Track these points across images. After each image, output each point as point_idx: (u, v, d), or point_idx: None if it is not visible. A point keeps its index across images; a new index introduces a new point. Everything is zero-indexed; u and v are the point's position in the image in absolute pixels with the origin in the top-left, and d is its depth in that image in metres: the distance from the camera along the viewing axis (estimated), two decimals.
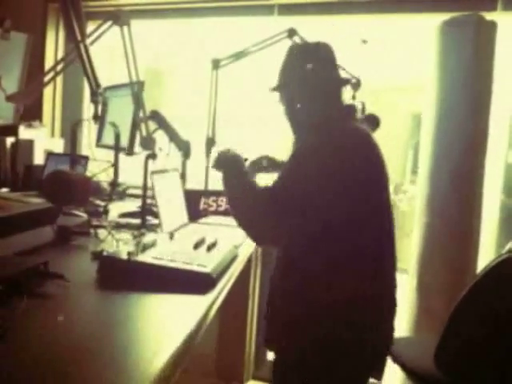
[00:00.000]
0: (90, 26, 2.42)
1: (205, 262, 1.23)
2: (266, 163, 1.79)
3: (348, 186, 1.34)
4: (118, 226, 1.75)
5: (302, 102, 1.52)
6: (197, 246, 1.39)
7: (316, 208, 1.32)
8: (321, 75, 1.50)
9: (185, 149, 2.31)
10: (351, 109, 1.57)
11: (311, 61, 1.49)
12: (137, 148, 1.98)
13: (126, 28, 1.88)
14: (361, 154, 1.41)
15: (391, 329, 1.46)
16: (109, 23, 1.90)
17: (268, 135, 3.97)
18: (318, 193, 1.32)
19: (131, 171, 2.30)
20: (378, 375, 1.44)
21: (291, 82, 1.52)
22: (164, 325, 0.96)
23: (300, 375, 1.37)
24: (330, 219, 1.33)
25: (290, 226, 1.36)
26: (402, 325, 2.72)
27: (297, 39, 2.45)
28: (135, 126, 1.98)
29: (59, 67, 2.10)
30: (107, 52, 3.54)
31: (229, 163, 1.46)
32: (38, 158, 2.77)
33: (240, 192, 1.42)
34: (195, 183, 2.45)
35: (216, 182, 2.55)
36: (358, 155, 1.39)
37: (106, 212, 1.94)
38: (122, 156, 2.22)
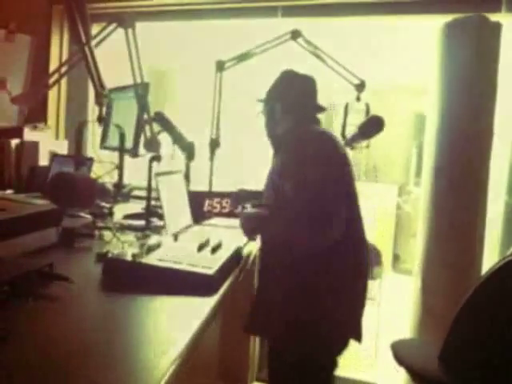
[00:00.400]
0: (95, 28, 2.42)
1: (209, 264, 1.23)
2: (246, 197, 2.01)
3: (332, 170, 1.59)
4: (123, 228, 1.75)
5: (280, 116, 1.79)
6: (201, 247, 1.40)
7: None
8: (300, 100, 1.80)
9: (189, 150, 2.32)
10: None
11: (296, 86, 1.81)
12: (141, 150, 1.99)
13: (130, 30, 1.88)
14: (332, 144, 1.68)
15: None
16: (113, 25, 1.91)
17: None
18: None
19: (136, 173, 2.31)
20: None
21: (276, 99, 1.81)
22: (168, 327, 0.96)
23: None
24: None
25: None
26: (407, 326, 2.71)
27: (301, 41, 2.45)
28: (140, 128, 1.99)
29: (64, 69, 2.10)
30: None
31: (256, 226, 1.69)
32: (43, 160, 2.78)
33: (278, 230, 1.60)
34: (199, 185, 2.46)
35: (220, 183, 2.57)
36: (331, 144, 1.67)
37: (110, 214, 1.95)
38: (126, 158, 2.22)
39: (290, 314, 1.59)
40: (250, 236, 1.75)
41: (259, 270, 1.76)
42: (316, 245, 1.54)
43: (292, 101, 1.79)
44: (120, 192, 2.27)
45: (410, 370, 1.78)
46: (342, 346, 1.68)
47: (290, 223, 1.51)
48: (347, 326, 1.68)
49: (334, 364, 1.73)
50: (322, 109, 1.83)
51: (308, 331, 1.57)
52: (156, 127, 2.11)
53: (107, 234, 1.63)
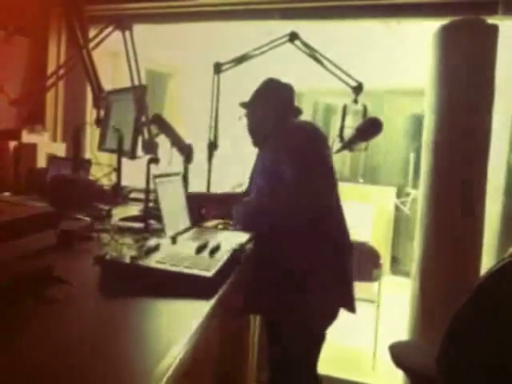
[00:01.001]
0: (93, 31, 2.42)
1: (208, 266, 1.23)
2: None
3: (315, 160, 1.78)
4: (121, 230, 1.75)
5: (262, 117, 2.02)
6: (199, 250, 1.40)
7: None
8: (280, 102, 2.02)
9: (187, 152, 2.32)
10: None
11: (277, 91, 2.03)
12: (139, 152, 1.99)
13: (128, 32, 1.88)
14: (318, 131, 1.90)
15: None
16: (111, 28, 1.91)
17: None
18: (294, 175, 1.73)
19: (134, 175, 2.31)
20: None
21: (259, 101, 2.03)
22: (167, 329, 0.96)
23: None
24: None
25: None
26: (405, 328, 2.71)
27: (298, 43, 2.46)
28: (137, 130, 1.99)
29: (62, 71, 2.10)
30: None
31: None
32: (41, 162, 2.78)
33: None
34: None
35: (218, 186, 2.57)
36: (317, 131, 1.89)
37: (109, 216, 1.94)
38: (124, 160, 2.22)
39: (283, 293, 1.79)
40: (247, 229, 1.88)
41: (253, 258, 1.84)
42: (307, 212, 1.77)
43: (274, 102, 2.00)
44: (118, 194, 2.27)
45: (408, 371, 1.79)
46: (330, 316, 1.87)
47: (290, 197, 1.74)
48: (334, 298, 1.87)
49: (323, 336, 1.92)
50: (299, 111, 2.06)
51: (299, 305, 1.78)
52: (154, 129, 2.12)
53: (105, 237, 1.63)
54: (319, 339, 1.93)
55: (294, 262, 1.80)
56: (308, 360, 1.93)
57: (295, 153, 1.77)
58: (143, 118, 1.88)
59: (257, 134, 2.05)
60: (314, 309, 1.82)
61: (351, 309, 1.90)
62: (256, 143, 2.06)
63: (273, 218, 1.81)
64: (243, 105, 2.07)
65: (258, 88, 2.06)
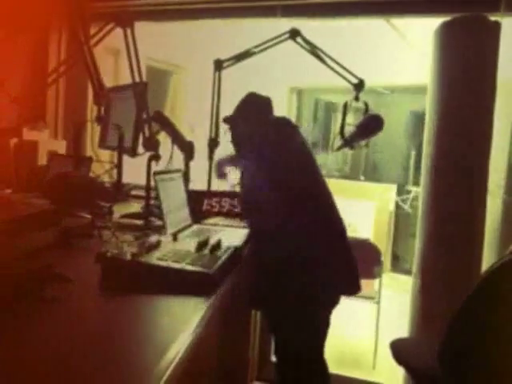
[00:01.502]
0: (93, 28, 2.41)
1: (208, 263, 1.23)
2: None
3: (289, 160, 1.85)
4: (122, 227, 1.75)
5: (243, 127, 2.09)
6: (200, 247, 1.40)
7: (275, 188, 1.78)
8: (257, 111, 2.10)
9: (188, 150, 2.32)
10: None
11: (254, 102, 2.13)
12: (140, 149, 1.98)
13: (129, 30, 1.88)
14: (285, 131, 1.94)
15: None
16: (112, 25, 1.91)
17: None
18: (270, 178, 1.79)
19: (135, 172, 2.31)
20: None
21: (239, 113, 2.13)
22: (168, 326, 0.96)
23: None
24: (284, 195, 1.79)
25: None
26: (406, 325, 2.72)
27: (299, 40, 2.45)
28: (138, 127, 1.99)
29: (62, 69, 2.10)
30: None
31: None
32: (42, 160, 2.77)
33: None
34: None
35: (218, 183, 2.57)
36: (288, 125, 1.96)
37: (109, 213, 1.94)
38: (125, 157, 2.22)
39: (285, 284, 1.82)
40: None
41: (251, 254, 1.85)
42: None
43: (251, 111, 2.10)
44: (119, 191, 2.27)
45: (409, 368, 1.79)
46: (332, 299, 1.91)
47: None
48: (334, 283, 1.88)
49: (326, 322, 1.94)
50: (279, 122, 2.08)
51: (298, 291, 1.80)
52: (155, 126, 2.11)
53: (106, 234, 1.63)
54: (322, 324, 1.93)
55: (294, 249, 1.80)
56: (312, 345, 1.94)
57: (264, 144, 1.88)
58: (144, 115, 1.88)
59: (239, 145, 2.15)
60: (314, 295, 1.83)
61: (354, 290, 1.92)
62: (239, 154, 2.15)
63: (260, 198, 1.83)
64: (225, 120, 2.19)
65: (239, 103, 2.18)
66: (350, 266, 1.91)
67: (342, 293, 1.95)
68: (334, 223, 1.92)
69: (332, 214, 1.92)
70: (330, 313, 1.94)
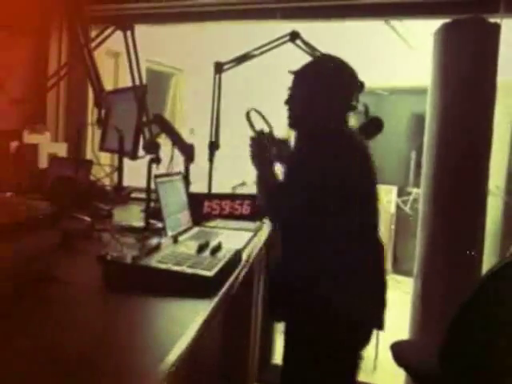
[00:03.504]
0: (94, 31, 2.42)
1: (209, 266, 1.23)
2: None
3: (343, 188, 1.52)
4: (122, 230, 1.75)
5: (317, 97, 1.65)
6: (201, 249, 1.40)
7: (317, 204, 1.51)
8: (341, 98, 1.67)
9: (188, 152, 2.32)
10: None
11: (348, 81, 1.68)
12: (140, 152, 1.99)
13: (129, 32, 1.88)
14: (353, 165, 1.58)
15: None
16: (112, 28, 1.91)
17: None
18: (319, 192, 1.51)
19: (135, 175, 2.31)
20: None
21: (321, 79, 1.65)
22: (168, 328, 0.96)
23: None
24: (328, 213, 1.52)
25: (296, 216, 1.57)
26: (406, 327, 2.71)
27: (299, 42, 2.45)
28: (139, 130, 1.99)
29: (63, 71, 2.10)
30: None
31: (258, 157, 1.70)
32: (42, 162, 2.78)
33: (263, 185, 1.70)
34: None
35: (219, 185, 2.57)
36: (352, 166, 1.57)
37: (109, 216, 1.95)
38: (125, 160, 2.22)
39: (313, 300, 1.55)
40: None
41: (278, 261, 1.74)
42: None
43: (340, 90, 1.67)
44: (119, 194, 2.28)
45: (410, 370, 1.79)
46: (367, 335, 1.64)
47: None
48: (370, 313, 1.62)
49: (358, 358, 1.64)
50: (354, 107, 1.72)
51: (333, 317, 1.52)
52: (155, 129, 2.12)
53: (106, 236, 1.63)
54: (353, 363, 1.64)
55: (326, 262, 1.56)
56: None
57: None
58: (144, 118, 1.88)
59: (299, 113, 1.70)
60: (350, 326, 1.55)
61: (380, 325, 1.67)
62: (293, 124, 1.73)
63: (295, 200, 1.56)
64: (295, 73, 1.69)
65: (324, 62, 1.77)
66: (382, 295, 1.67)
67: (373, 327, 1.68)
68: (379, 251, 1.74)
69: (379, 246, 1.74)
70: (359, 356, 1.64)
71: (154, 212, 1.87)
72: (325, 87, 1.64)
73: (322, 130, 1.63)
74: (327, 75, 1.66)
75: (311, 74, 1.68)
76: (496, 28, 2.44)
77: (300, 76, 1.68)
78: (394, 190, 5.55)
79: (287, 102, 1.70)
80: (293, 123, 1.72)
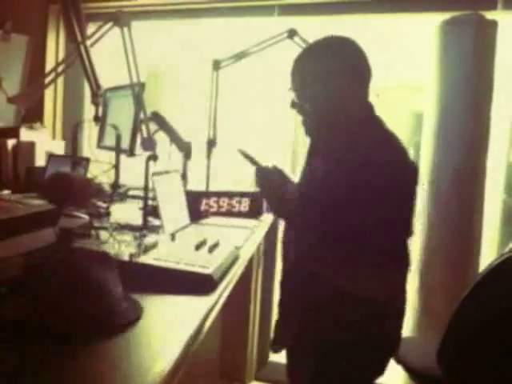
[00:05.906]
0: (91, 28, 2.41)
1: (206, 263, 1.23)
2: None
3: (373, 202, 1.22)
4: (120, 228, 1.75)
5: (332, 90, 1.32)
6: (198, 247, 1.39)
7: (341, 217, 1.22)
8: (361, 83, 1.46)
9: (186, 150, 2.31)
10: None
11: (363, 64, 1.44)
12: (138, 149, 1.98)
13: (126, 29, 1.87)
14: (390, 172, 1.23)
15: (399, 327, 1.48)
16: (109, 24, 1.90)
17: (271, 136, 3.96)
18: (344, 205, 1.22)
19: (132, 172, 2.30)
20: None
21: (333, 67, 1.34)
22: (166, 326, 0.96)
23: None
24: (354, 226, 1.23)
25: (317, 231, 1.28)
26: (405, 325, 2.71)
27: (297, 39, 2.44)
28: (136, 128, 1.98)
29: (60, 69, 2.09)
30: None
31: (269, 190, 1.35)
32: (39, 160, 2.77)
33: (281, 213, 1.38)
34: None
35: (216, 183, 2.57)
36: (387, 174, 1.23)
37: (107, 213, 1.94)
38: (123, 157, 2.22)
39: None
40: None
41: (283, 281, 1.52)
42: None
43: (358, 74, 1.44)
44: (116, 192, 2.27)
45: (409, 368, 1.79)
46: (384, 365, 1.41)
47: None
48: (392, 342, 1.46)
49: None
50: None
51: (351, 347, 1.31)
52: (153, 127, 2.11)
53: (104, 234, 1.63)
54: None
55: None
56: None
57: (363, 195, 1.21)
58: (142, 116, 1.87)
59: (315, 107, 1.34)
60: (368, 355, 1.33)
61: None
62: (311, 127, 1.39)
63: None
64: (297, 60, 1.37)
65: (330, 45, 1.37)
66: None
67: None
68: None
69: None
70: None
71: (151, 210, 1.86)
72: (341, 63, 1.34)
73: (352, 120, 1.34)
74: (341, 48, 1.37)
75: (322, 51, 1.36)
76: (493, 25, 2.44)
77: (305, 59, 1.35)
78: None
79: (293, 105, 1.36)
80: (312, 125, 1.38)
